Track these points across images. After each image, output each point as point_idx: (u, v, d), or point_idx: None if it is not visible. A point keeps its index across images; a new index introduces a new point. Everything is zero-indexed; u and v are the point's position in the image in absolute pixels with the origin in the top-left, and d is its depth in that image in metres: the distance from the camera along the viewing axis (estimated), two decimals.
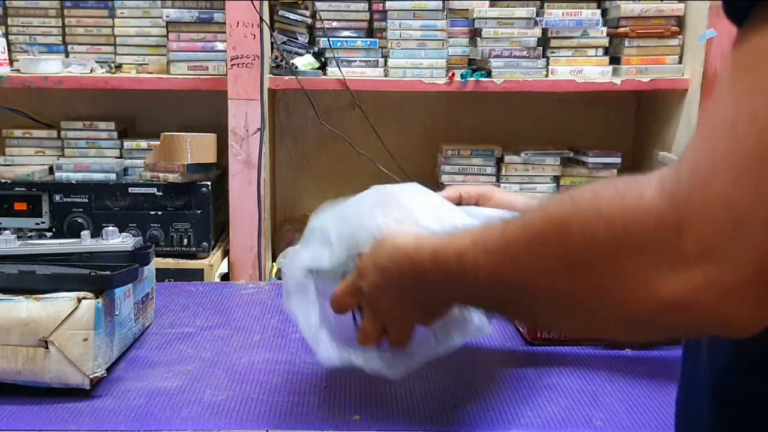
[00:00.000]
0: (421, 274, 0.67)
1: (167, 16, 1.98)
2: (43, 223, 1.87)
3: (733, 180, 0.43)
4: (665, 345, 1.01)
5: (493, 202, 0.97)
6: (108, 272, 0.92)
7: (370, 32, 2.03)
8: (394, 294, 0.74)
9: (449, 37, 1.99)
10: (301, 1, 1.99)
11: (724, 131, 0.44)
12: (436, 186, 2.09)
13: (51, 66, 1.97)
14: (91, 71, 2.01)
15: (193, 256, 1.88)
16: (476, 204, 0.98)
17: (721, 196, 0.43)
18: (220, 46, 1.97)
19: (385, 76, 1.98)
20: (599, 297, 0.50)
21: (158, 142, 1.89)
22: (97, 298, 0.88)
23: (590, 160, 2.04)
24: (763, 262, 0.42)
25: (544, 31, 1.97)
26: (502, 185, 2.04)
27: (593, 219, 0.49)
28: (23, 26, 2.07)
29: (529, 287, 0.55)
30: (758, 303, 0.43)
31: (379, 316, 0.78)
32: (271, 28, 1.93)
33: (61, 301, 0.87)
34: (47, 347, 0.86)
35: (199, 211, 1.87)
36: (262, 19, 1.85)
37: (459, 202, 0.98)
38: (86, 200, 1.86)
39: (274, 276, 2.03)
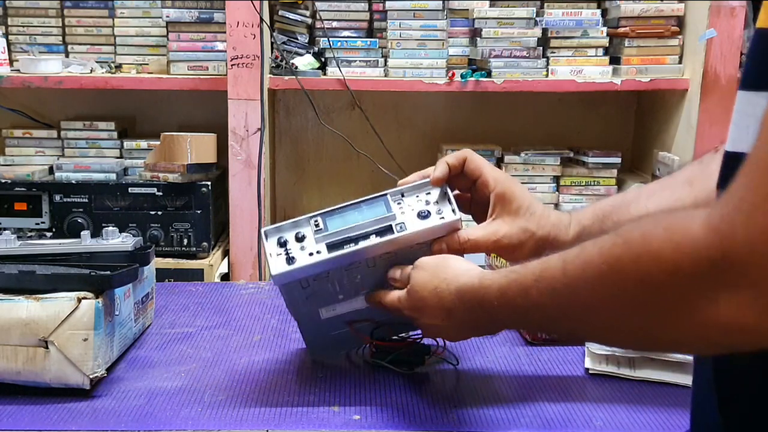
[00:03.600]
0: (489, 312, 0.74)
1: (167, 16, 1.98)
2: (43, 223, 1.87)
3: None
4: None
5: (468, 164, 0.94)
6: (108, 272, 0.92)
7: (370, 32, 2.03)
8: (456, 327, 0.82)
9: (449, 37, 1.99)
10: (301, 1, 1.99)
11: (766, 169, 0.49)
12: None
13: (51, 66, 1.97)
14: (91, 71, 2.01)
15: (193, 256, 1.88)
16: (464, 167, 0.94)
17: (762, 229, 0.47)
18: (220, 46, 1.97)
19: (385, 76, 1.98)
20: (655, 326, 0.54)
21: (158, 142, 1.89)
22: (97, 298, 0.88)
23: (590, 160, 2.04)
24: None
25: (544, 31, 1.97)
26: None
27: (645, 257, 0.53)
28: (23, 26, 2.07)
29: (589, 320, 0.61)
30: None
31: (428, 333, 0.90)
32: (271, 28, 1.93)
33: (61, 301, 0.87)
34: (47, 347, 0.86)
35: (199, 211, 1.87)
36: (262, 19, 1.85)
37: (450, 172, 0.93)
38: (86, 200, 1.86)
39: None
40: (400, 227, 0.88)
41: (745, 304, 0.48)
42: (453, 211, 0.89)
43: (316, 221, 0.89)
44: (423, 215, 0.88)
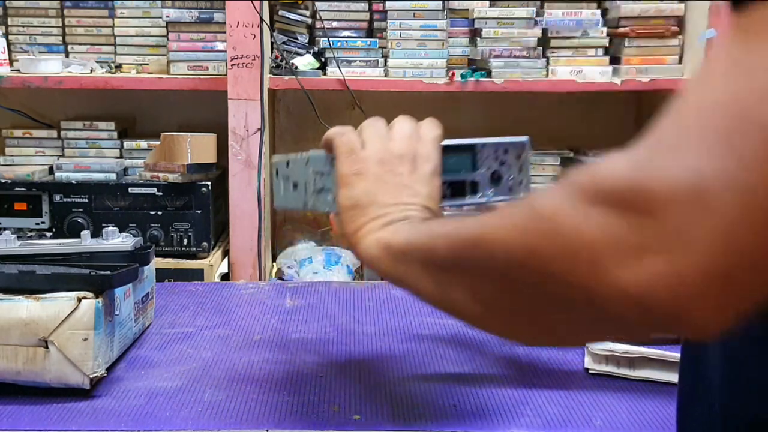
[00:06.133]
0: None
1: (167, 16, 1.98)
2: (43, 223, 1.87)
3: (701, 152, 0.37)
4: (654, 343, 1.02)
5: None
6: (108, 272, 0.92)
7: (370, 32, 2.03)
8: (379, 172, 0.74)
9: (449, 37, 1.99)
10: (301, 1, 1.99)
11: (696, 104, 0.41)
12: None
13: (51, 66, 1.97)
14: (91, 71, 2.01)
15: (193, 256, 1.88)
16: None
17: (688, 168, 0.36)
18: (220, 46, 1.97)
19: (385, 76, 1.98)
20: (547, 296, 0.43)
21: (158, 142, 1.89)
22: (97, 298, 0.88)
23: (590, 160, 2.04)
24: (729, 251, 0.35)
25: (544, 31, 1.97)
26: None
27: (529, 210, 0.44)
28: (23, 26, 2.07)
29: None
30: (720, 298, 0.36)
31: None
32: (271, 28, 1.93)
33: (61, 301, 0.87)
34: (47, 347, 0.86)
35: (199, 211, 1.87)
36: (262, 19, 1.85)
37: None
38: (86, 200, 1.86)
39: (274, 276, 2.03)
40: None
41: (659, 268, 0.36)
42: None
43: None
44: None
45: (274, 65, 1.94)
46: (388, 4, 1.97)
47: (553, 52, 1.97)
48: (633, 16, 1.96)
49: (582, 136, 2.23)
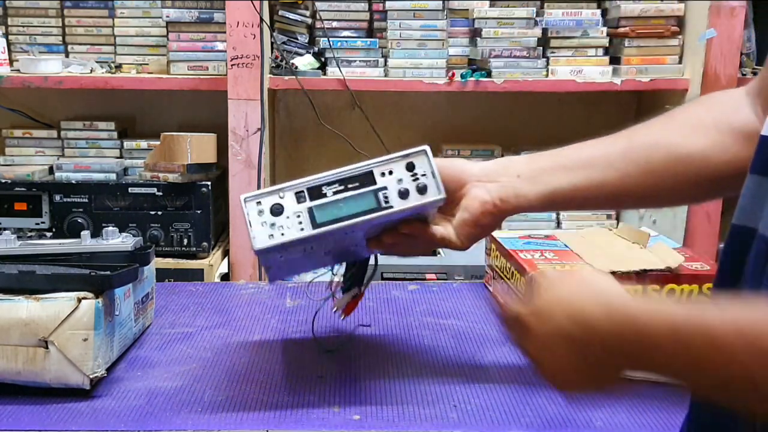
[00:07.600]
0: (650, 349, 0.57)
1: (167, 16, 1.98)
2: (43, 223, 1.87)
3: None
4: None
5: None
6: (108, 272, 0.92)
7: (370, 32, 2.03)
8: (584, 353, 0.62)
9: (449, 37, 1.99)
10: (301, 1, 1.99)
11: None
12: None
13: (51, 66, 1.97)
14: (91, 71, 2.01)
15: (193, 256, 1.88)
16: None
17: None
18: (220, 46, 1.97)
19: (385, 76, 1.98)
20: None
21: (158, 142, 1.89)
22: (97, 298, 0.88)
23: None
24: None
25: (544, 31, 1.97)
26: None
27: None
28: (23, 26, 2.07)
29: None
30: None
31: (537, 358, 0.66)
32: (271, 28, 1.93)
33: (61, 301, 0.87)
34: (47, 347, 0.86)
35: (199, 211, 1.87)
36: (262, 19, 1.85)
37: None
38: (86, 200, 1.86)
39: None
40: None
41: None
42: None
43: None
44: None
45: (274, 65, 1.94)
46: (388, 4, 1.98)
47: (553, 52, 1.97)
48: (633, 16, 1.96)
49: (582, 136, 2.22)
